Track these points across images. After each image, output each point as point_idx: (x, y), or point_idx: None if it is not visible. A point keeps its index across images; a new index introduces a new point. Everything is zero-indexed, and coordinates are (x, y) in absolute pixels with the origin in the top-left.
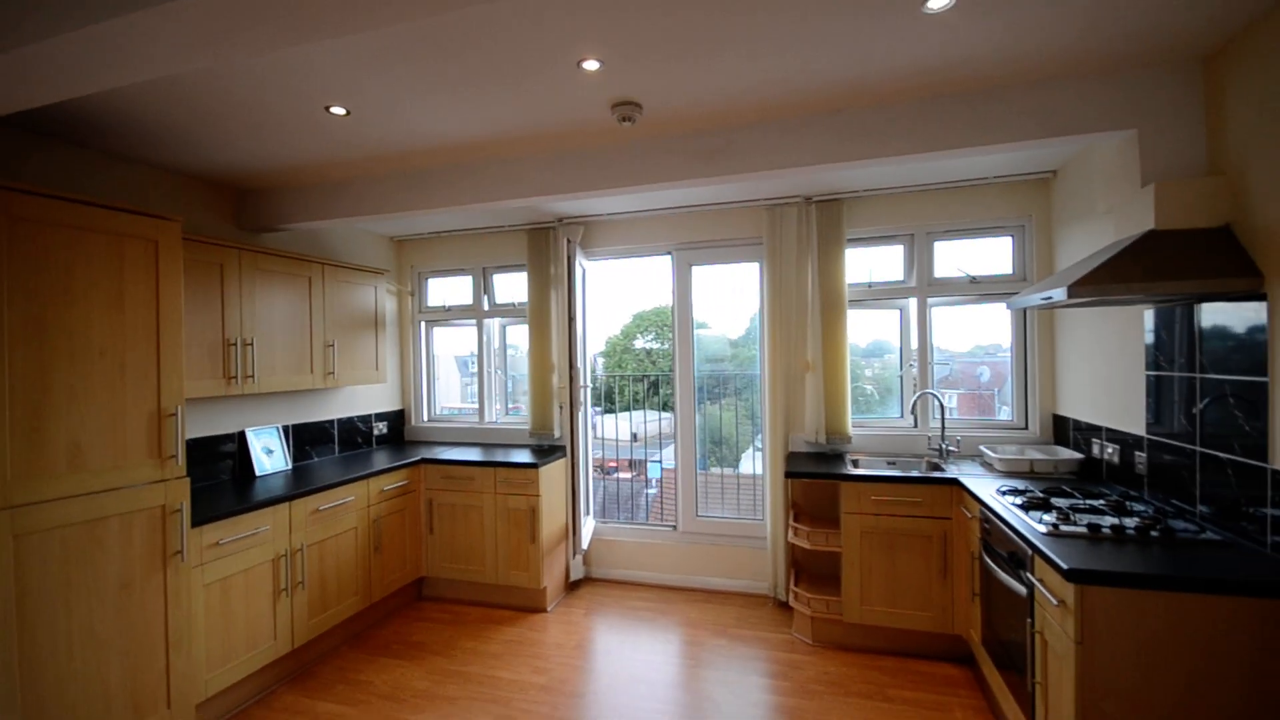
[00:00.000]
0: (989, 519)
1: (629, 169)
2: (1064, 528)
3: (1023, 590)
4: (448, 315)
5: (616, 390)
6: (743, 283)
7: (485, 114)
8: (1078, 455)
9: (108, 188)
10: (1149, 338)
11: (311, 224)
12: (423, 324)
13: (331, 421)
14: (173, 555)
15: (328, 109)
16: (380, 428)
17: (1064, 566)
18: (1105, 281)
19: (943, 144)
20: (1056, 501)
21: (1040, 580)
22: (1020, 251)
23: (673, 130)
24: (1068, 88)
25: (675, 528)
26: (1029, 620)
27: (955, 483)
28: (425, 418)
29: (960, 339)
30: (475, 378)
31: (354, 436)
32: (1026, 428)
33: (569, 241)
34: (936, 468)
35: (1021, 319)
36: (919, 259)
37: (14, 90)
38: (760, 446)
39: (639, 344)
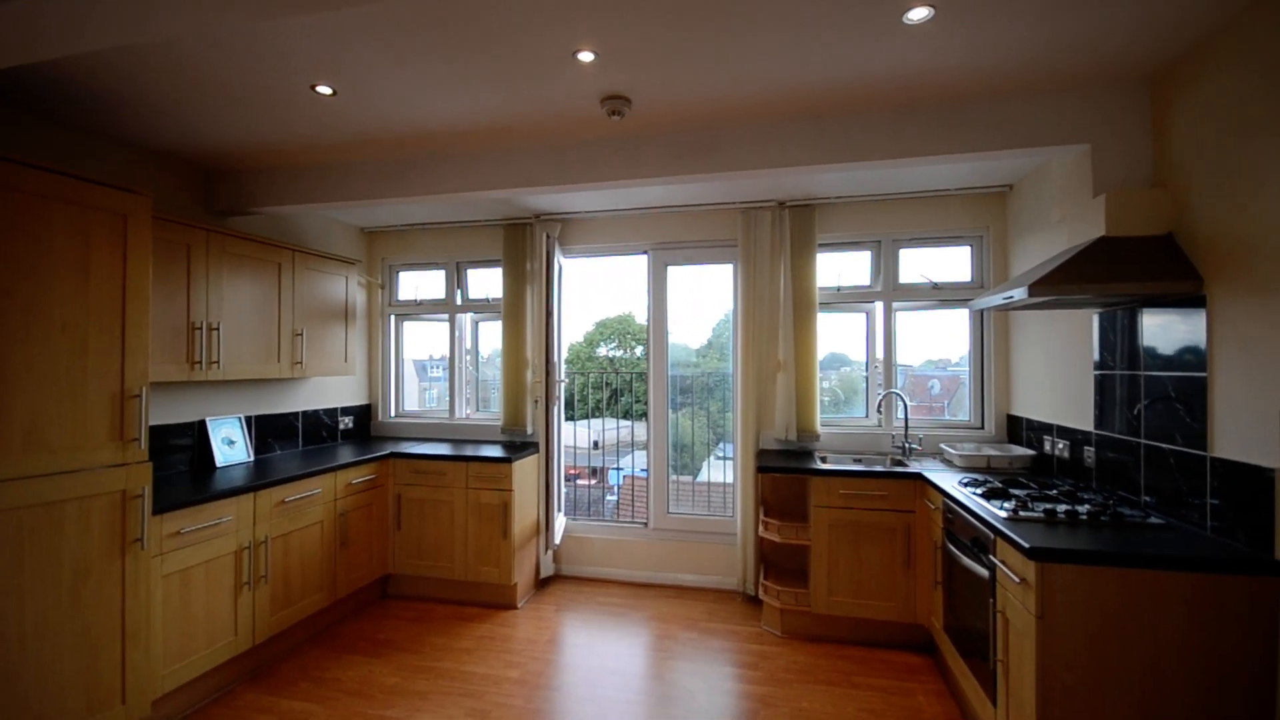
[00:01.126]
0: (952, 509)
1: (614, 164)
2: (1023, 513)
3: (985, 573)
4: (419, 309)
5: (578, 397)
6: (713, 287)
7: (474, 99)
8: (1030, 452)
9: (72, 161)
10: (1096, 339)
11: (283, 209)
12: (393, 317)
13: (296, 414)
14: (132, 543)
15: (314, 87)
16: (346, 422)
17: (1025, 545)
18: (1062, 282)
19: (915, 151)
20: (1014, 491)
21: (1003, 561)
22: (979, 260)
23: (659, 128)
24: (1030, 103)
25: (646, 525)
26: (991, 601)
27: (919, 477)
28: (393, 413)
29: (914, 353)
30: (437, 381)
31: (319, 430)
32: (983, 427)
33: (548, 236)
34: (900, 464)
35: (979, 323)
36: (885, 265)
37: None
38: (723, 455)
39: (602, 351)
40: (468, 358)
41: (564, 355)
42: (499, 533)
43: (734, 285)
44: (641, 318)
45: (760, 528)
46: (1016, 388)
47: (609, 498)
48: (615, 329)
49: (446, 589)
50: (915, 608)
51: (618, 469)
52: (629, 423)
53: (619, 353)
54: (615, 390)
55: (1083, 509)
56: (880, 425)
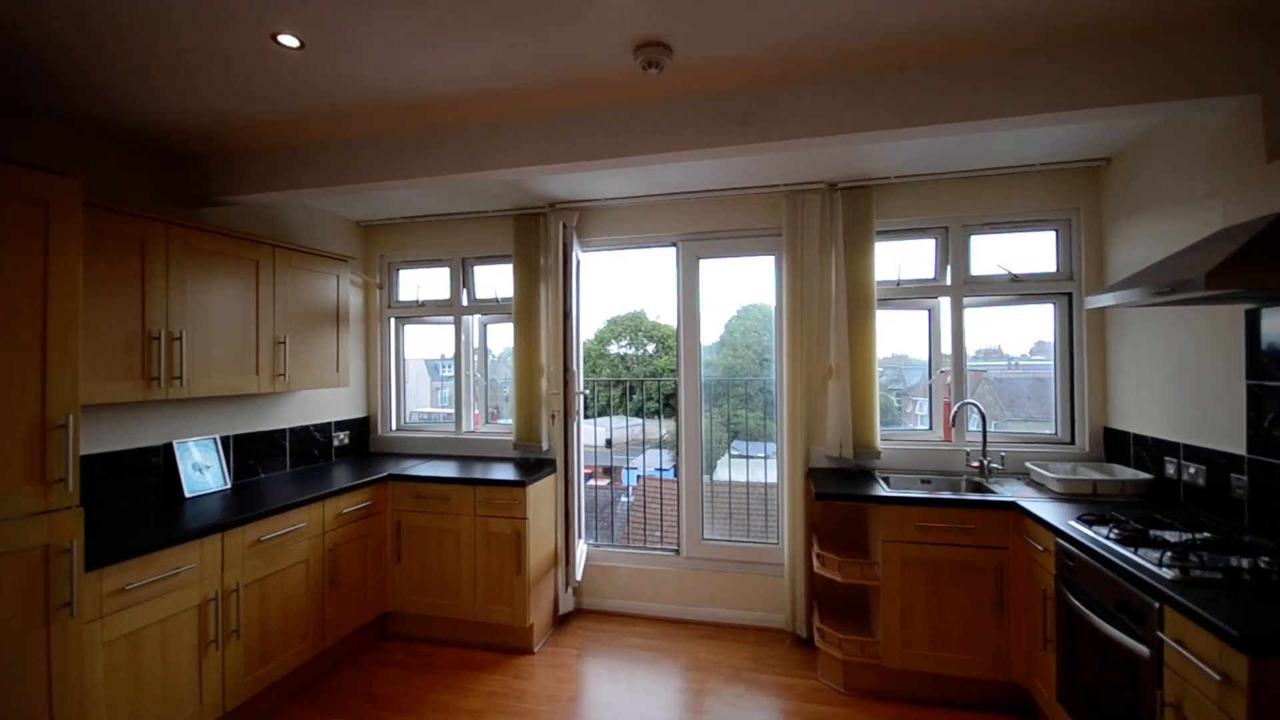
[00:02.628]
0: (1072, 554)
1: (648, 134)
2: (1195, 572)
3: (1142, 650)
4: (421, 311)
5: (593, 396)
6: (738, 280)
7: (479, 50)
8: (1145, 475)
9: None
10: (1251, 342)
11: (260, 198)
12: (392, 320)
13: (283, 431)
14: (59, 609)
15: (276, 37)
16: (341, 438)
17: (1234, 633)
18: (1260, 270)
19: (1028, 108)
20: (1159, 535)
21: (1178, 641)
22: (1066, 247)
23: (700, 88)
24: (1180, 43)
25: (678, 552)
26: (1158, 692)
27: (1014, 507)
28: (394, 426)
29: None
30: (448, 381)
31: (309, 448)
32: (1073, 442)
33: (565, 227)
34: (980, 488)
35: (1067, 322)
36: (954, 254)
37: None
38: (739, 454)
39: (613, 349)
40: (475, 362)
41: (582, 360)
42: (511, 566)
43: (777, 280)
44: (653, 315)
45: (816, 563)
46: (1118, 396)
47: (622, 499)
48: (627, 326)
49: (453, 630)
50: (1010, 663)
51: (631, 469)
52: (640, 421)
53: (630, 350)
54: (628, 387)
55: (1267, 562)
56: (951, 440)
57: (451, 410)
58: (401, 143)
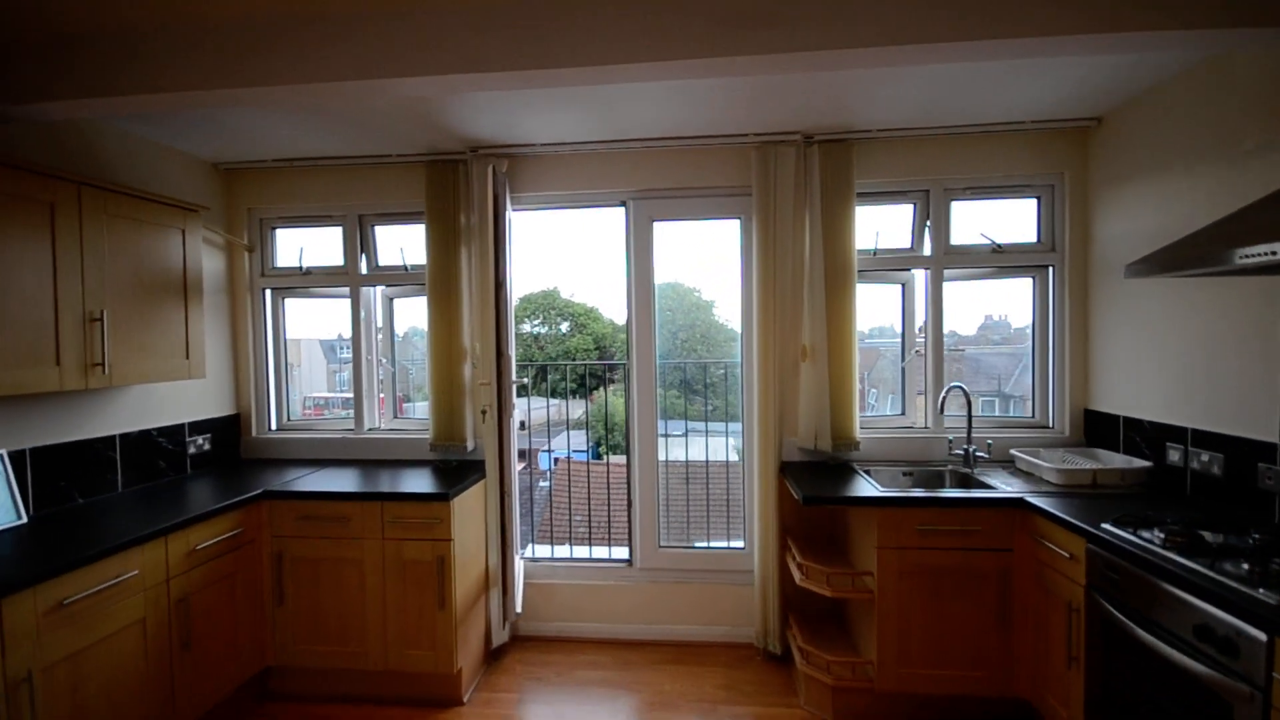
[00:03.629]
0: (1117, 565)
1: (619, 36)
2: None
3: (1241, 688)
4: (307, 281)
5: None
6: (692, 247)
7: None
8: (1142, 463)
9: None
10: None
11: (50, 109)
12: (268, 293)
13: (110, 440)
14: None
15: None
16: (199, 444)
17: None
18: None
19: (1102, 25)
20: (1219, 540)
21: None
22: (1048, 216)
23: None
24: None
25: (630, 563)
26: None
27: (1022, 504)
28: (273, 425)
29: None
30: (348, 364)
31: (152, 460)
32: (1051, 426)
33: (496, 174)
34: (968, 480)
35: (1044, 296)
36: (935, 221)
37: None
38: (664, 433)
39: (526, 328)
40: (380, 344)
41: (514, 342)
42: (432, 601)
43: (743, 246)
44: (566, 293)
45: (797, 574)
46: (1102, 377)
47: (541, 484)
48: (540, 304)
49: (357, 683)
50: (1014, 678)
51: (550, 450)
52: (557, 401)
53: (544, 329)
54: (541, 368)
55: None
56: (928, 426)
57: (351, 396)
58: (267, 32)
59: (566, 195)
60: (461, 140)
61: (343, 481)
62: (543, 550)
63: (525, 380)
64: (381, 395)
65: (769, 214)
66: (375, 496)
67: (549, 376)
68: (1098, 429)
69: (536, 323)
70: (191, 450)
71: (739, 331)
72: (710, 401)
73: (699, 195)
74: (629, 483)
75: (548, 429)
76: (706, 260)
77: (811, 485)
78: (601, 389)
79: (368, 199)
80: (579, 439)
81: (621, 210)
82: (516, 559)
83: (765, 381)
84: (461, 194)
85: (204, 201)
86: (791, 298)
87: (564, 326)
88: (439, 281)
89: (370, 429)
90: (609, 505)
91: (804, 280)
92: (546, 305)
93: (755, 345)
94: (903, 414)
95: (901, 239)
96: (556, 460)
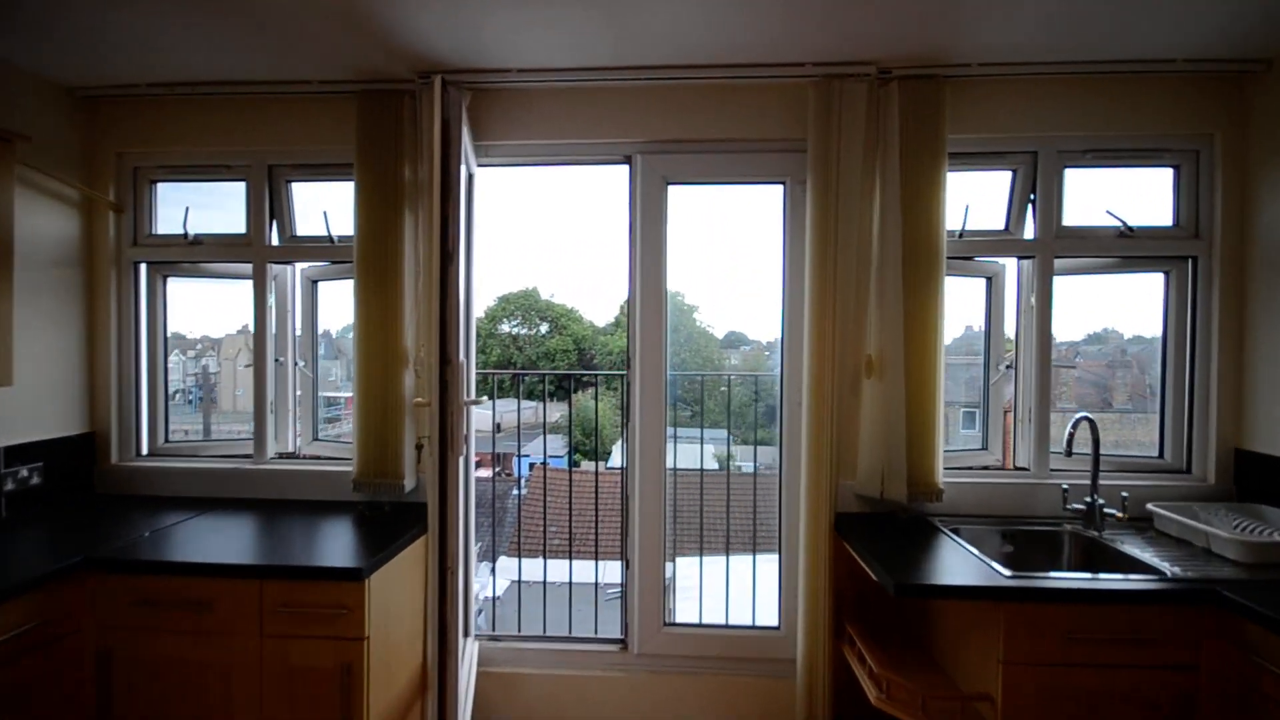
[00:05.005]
0: None
1: None
2: None
3: None
4: (195, 253)
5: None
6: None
7: None
8: None
9: None
10: None
11: None
12: (143, 268)
13: None
14: None
15: None
16: (25, 476)
17: None
18: None
19: None
20: None
21: None
22: (1190, 192)
23: None
24: None
25: (626, 646)
26: None
27: (1213, 597)
28: (144, 450)
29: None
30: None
31: None
32: (1188, 470)
33: (456, 108)
34: (1098, 549)
35: (1180, 298)
36: (1043, 193)
37: None
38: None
39: (505, 328)
40: (295, 341)
41: (475, 343)
42: None
43: (786, 221)
44: (546, 294)
45: (871, 688)
46: (1261, 408)
47: (514, 491)
48: (520, 304)
49: None
50: None
51: (526, 456)
52: (534, 404)
53: (523, 329)
54: (519, 368)
55: None
56: (1029, 468)
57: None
58: None
59: (553, 145)
60: (409, 59)
61: (211, 546)
62: (507, 585)
63: (483, 399)
64: (300, 414)
65: (829, 176)
66: (253, 572)
67: (526, 379)
68: (1252, 476)
69: (515, 322)
70: (9, 486)
71: (751, 337)
72: (689, 408)
73: (728, 150)
74: (631, 529)
75: (518, 436)
76: (717, 240)
77: (889, 555)
78: (579, 392)
79: (279, 142)
80: (555, 443)
81: (625, 169)
82: (467, 644)
83: (818, 405)
84: (407, 136)
85: (44, 134)
86: (856, 291)
87: (544, 328)
88: (372, 257)
89: (276, 457)
90: (594, 515)
91: (870, 267)
92: (526, 306)
93: (806, 355)
94: (984, 448)
95: (992, 218)
96: (532, 465)
